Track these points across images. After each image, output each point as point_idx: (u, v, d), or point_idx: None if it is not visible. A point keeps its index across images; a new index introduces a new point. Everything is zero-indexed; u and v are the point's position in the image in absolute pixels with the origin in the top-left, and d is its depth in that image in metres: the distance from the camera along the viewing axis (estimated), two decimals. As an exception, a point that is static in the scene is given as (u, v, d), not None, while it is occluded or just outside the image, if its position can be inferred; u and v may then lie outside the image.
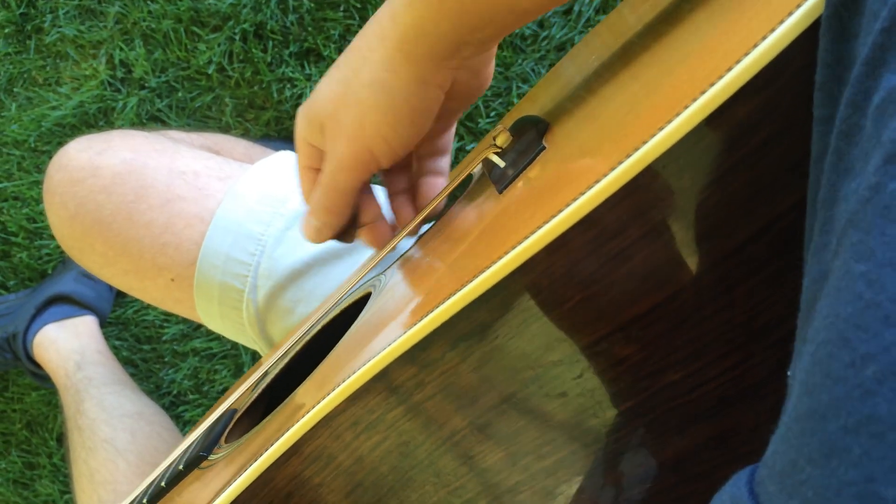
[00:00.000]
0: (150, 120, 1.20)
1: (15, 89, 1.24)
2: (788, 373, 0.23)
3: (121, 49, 1.19)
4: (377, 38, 0.46)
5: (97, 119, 1.21)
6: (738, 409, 0.30)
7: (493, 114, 1.12)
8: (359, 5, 1.12)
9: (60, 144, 1.22)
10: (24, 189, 1.24)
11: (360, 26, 1.12)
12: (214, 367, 1.22)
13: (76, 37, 1.20)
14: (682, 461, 0.31)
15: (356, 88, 0.46)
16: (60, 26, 1.20)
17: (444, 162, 0.55)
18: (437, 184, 0.54)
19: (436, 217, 0.53)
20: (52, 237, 1.23)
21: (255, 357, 1.19)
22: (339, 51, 1.13)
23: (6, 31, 1.22)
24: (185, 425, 1.22)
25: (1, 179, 1.24)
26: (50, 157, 1.23)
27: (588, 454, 0.32)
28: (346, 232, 0.53)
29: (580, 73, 0.52)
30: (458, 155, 1.14)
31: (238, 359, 1.20)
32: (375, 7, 1.10)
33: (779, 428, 0.21)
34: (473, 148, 1.13)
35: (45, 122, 1.22)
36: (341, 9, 1.12)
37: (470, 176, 0.53)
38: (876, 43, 0.22)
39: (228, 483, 0.38)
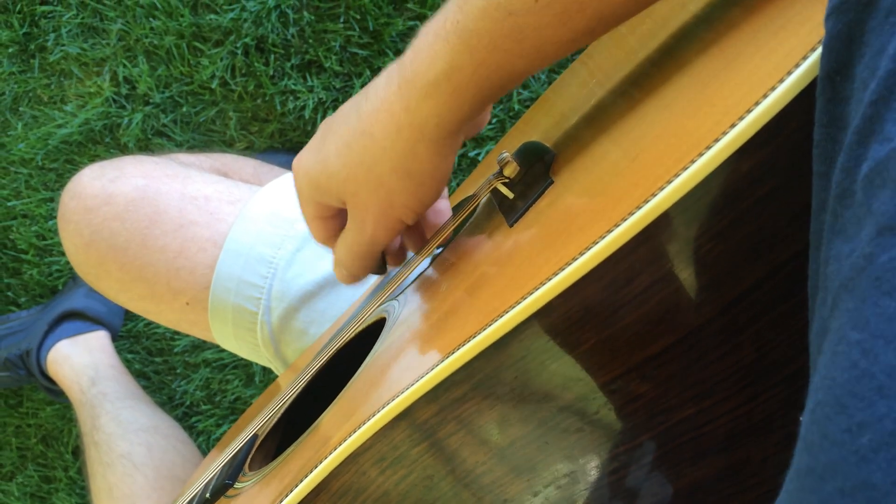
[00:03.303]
0: (154, 135, 1.21)
1: (20, 108, 1.25)
2: (802, 418, 0.24)
3: (124, 66, 1.20)
4: (393, 128, 0.46)
5: (103, 136, 1.22)
6: (748, 442, 0.31)
7: (494, 120, 1.14)
8: (358, 16, 1.13)
9: (68, 162, 1.24)
10: (32, 207, 1.25)
11: (361, 37, 1.14)
12: (226, 377, 1.23)
13: (80, 55, 1.22)
14: (696, 491, 0.33)
15: (378, 175, 0.47)
16: (64, 45, 1.21)
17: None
18: (441, 208, 0.56)
19: (446, 242, 0.55)
20: (62, 254, 1.25)
21: (266, 368, 1.21)
22: (340, 62, 1.14)
23: (10, 50, 1.24)
24: (198, 436, 1.23)
25: (10, 198, 1.26)
26: (57, 175, 1.24)
27: (605, 485, 0.34)
28: (378, 270, 0.56)
29: (582, 97, 0.53)
30: (461, 161, 1.15)
31: (249, 368, 1.22)
32: (375, 18, 1.12)
33: (787, 476, 0.23)
34: (478, 162, 1.14)
35: (52, 140, 1.23)
36: (341, 20, 1.13)
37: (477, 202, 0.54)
38: (865, 114, 0.23)
39: (259, 517, 0.40)
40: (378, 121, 0.47)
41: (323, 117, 1.16)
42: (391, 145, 0.46)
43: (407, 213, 0.49)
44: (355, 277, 0.54)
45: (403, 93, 0.45)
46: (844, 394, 0.21)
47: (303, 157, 0.52)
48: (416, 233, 0.56)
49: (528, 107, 1.04)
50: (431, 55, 0.43)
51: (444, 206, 0.56)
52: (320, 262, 0.73)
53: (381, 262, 0.55)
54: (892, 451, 0.19)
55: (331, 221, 0.53)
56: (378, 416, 0.35)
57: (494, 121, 1.13)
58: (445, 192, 0.56)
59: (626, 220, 0.28)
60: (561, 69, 1.14)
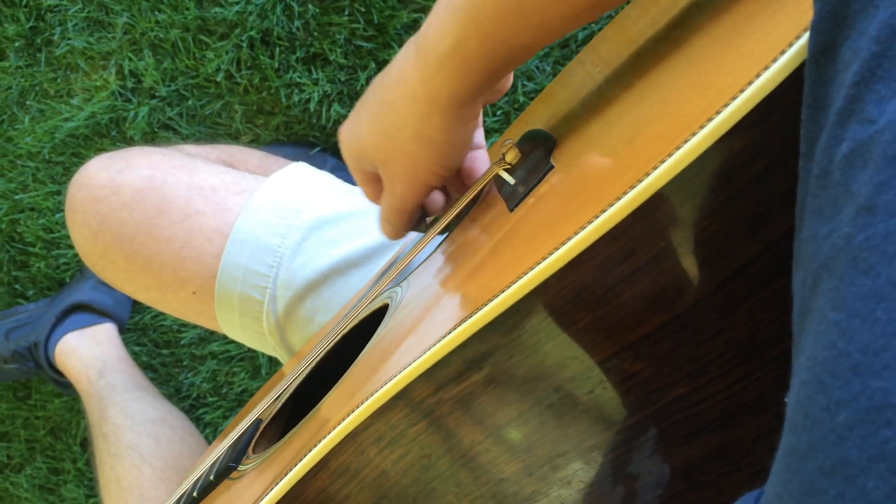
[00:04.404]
0: (161, 128, 1.22)
1: (27, 102, 1.26)
2: (786, 399, 0.24)
3: (130, 59, 1.21)
4: (410, 98, 0.48)
5: (109, 129, 1.23)
6: (741, 421, 0.32)
7: (499, 112, 1.14)
8: (363, 9, 1.13)
9: (74, 155, 1.25)
10: (39, 200, 1.26)
11: (365, 30, 1.14)
12: (232, 369, 1.24)
13: (86, 48, 1.22)
14: (690, 469, 0.33)
15: (401, 143, 0.50)
16: (70, 38, 1.22)
17: (479, 134, 0.58)
18: (479, 156, 0.57)
19: (449, 228, 0.55)
20: (69, 246, 1.26)
21: (272, 360, 1.21)
22: (345, 55, 1.15)
23: (16, 44, 1.24)
24: (205, 427, 1.24)
25: (17, 191, 1.27)
26: (64, 168, 1.25)
27: (601, 463, 0.34)
28: (417, 225, 0.58)
29: (584, 86, 0.53)
30: (466, 154, 1.15)
31: (255, 360, 1.23)
32: (379, 10, 1.12)
33: (775, 458, 0.23)
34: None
35: (59, 133, 1.24)
36: (346, 13, 1.14)
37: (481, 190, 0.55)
38: (847, 96, 0.23)
39: (260, 497, 0.40)
40: (398, 91, 0.49)
41: (328, 110, 1.16)
42: (409, 114, 0.49)
43: (432, 177, 0.52)
44: (398, 234, 0.57)
45: (418, 65, 0.47)
46: (824, 373, 0.21)
47: (343, 130, 0.55)
48: (454, 182, 0.58)
49: (532, 98, 1.04)
50: (441, 29, 0.45)
51: (480, 154, 0.58)
52: (325, 251, 0.74)
53: (421, 217, 0.58)
54: (866, 427, 0.19)
55: (378, 184, 0.56)
56: (375, 396, 0.36)
57: (499, 113, 1.14)
58: (481, 140, 0.58)
59: (619, 199, 0.29)
60: (566, 61, 1.14)
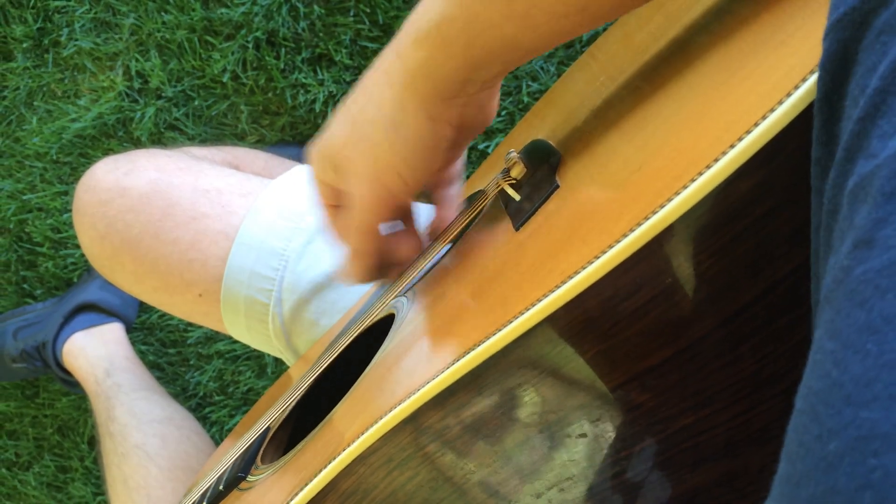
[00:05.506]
0: (167, 129, 1.22)
1: (35, 103, 1.26)
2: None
3: (137, 60, 1.21)
4: (383, 76, 0.47)
5: (116, 129, 1.24)
6: (746, 451, 0.32)
7: (503, 112, 1.14)
8: (368, 10, 1.14)
9: (82, 155, 1.25)
10: (47, 200, 1.26)
11: (371, 31, 1.14)
12: (238, 368, 1.25)
13: (93, 49, 1.23)
14: (695, 497, 0.34)
15: (365, 127, 0.47)
16: (77, 39, 1.22)
17: (454, 191, 0.57)
18: (447, 216, 0.56)
19: (454, 239, 0.55)
20: (77, 246, 1.26)
21: (278, 359, 1.22)
22: (351, 56, 1.15)
23: (24, 45, 1.25)
24: (211, 426, 1.25)
25: (25, 191, 1.27)
26: (72, 168, 1.26)
27: (608, 488, 0.35)
28: (384, 272, 0.55)
29: (589, 94, 0.53)
30: (470, 154, 1.16)
31: (261, 360, 1.23)
32: (385, 11, 1.12)
33: (773, 483, 0.24)
34: (487, 154, 1.15)
35: (66, 133, 1.24)
36: (351, 14, 1.14)
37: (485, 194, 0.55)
38: (853, 131, 0.24)
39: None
40: (373, 77, 0.48)
41: (333, 110, 1.17)
42: (380, 96, 0.47)
43: (394, 178, 0.48)
44: (364, 272, 0.54)
45: (397, 45, 0.46)
46: (818, 402, 0.22)
47: (315, 139, 0.53)
48: (403, 233, 0.56)
49: (537, 99, 1.05)
50: (425, 7, 0.44)
51: (453, 193, 0.56)
52: (330, 254, 0.74)
53: (380, 263, 0.54)
54: (855, 456, 0.20)
55: (339, 209, 0.53)
56: (384, 420, 0.36)
57: (504, 113, 1.14)
58: (455, 198, 0.57)
59: (626, 235, 0.29)
60: (570, 61, 1.14)
